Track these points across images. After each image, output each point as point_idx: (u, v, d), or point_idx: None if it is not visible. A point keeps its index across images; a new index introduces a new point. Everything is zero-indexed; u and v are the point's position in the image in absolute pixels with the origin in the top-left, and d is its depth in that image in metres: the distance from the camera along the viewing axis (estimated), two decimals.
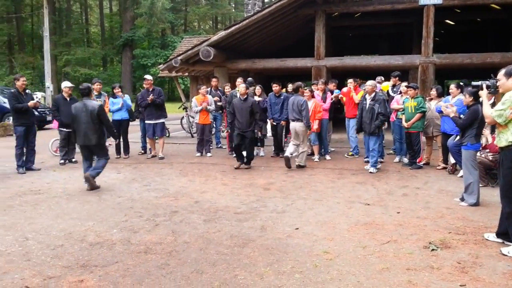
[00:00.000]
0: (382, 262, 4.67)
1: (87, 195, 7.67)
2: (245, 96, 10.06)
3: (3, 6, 39.79)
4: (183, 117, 17.35)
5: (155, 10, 38.29)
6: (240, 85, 10.33)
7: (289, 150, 10.04)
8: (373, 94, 9.47)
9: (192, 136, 15.45)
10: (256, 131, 10.34)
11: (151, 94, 11.28)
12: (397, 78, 11.49)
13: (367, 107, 9.43)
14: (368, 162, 9.84)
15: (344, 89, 11.57)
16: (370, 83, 9.61)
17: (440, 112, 9.25)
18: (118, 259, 4.80)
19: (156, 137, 11.63)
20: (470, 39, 22.14)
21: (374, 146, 9.43)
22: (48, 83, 28.73)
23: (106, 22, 52.41)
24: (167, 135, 14.80)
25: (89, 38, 51.36)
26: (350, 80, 11.35)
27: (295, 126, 9.99)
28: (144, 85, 11.74)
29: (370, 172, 9.37)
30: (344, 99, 11.45)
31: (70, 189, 8.19)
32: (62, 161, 10.70)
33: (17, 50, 43.32)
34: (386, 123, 10.84)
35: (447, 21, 19.01)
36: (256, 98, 11.40)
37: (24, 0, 43.30)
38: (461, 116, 7.32)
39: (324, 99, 11.19)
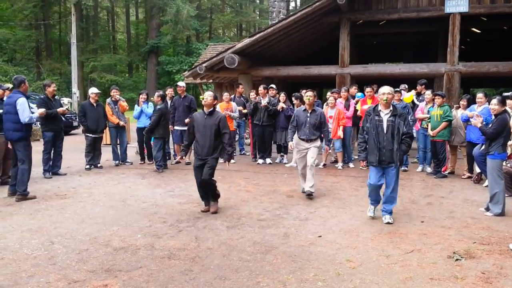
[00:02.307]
0: (405, 271, 4.64)
1: (112, 200, 7.78)
2: (211, 109, 7.08)
3: (31, 13, 40.65)
4: None
5: (180, 18, 38.57)
6: (206, 93, 7.17)
7: (307, 183, 8.02)
8: (391, 107, 6.42)
9: None
10: (223, 160, 7.36)
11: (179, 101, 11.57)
12: (423, 86, 11.40)
13: (384, 125, 6.31)
14: (375, 207, 6.78)
15: (365, 107, 10.84)
16: (386, 90, 6.38)
17: (466, 121, 9.17)
18: (142, 264, 4.86)
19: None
20: (496, 47, 21.85)
21: (394, 185, 6.44)
22: (75, 89, 29.23)
23: (132, 29, 53.03)
24: None
25: (115, 45, 51.98)
26: (368, 89, 11.05)
27: (309, 148, 8.12)
28: (168, 93, 11.88)
29: (388, 223, 6.42)
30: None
31: (96, 194, 8.31)
32: (88, 166, 10.85)
33: (44, 56, 44.07)
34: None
35: (473, 29, 18.80)
36: (281, 105, 11.41)
37: (52, 7, 44.07)
38: (487, 125, 7.26)
39: (347, 107, 11.17)
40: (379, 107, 6.43)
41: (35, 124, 17.23)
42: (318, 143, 8.21)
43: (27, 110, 7.77)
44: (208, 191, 7.14)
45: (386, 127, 6.30)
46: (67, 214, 6.88)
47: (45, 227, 6.23)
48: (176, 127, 11.55)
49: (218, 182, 9.22)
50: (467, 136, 9.41)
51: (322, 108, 11.61)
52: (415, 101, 11.35)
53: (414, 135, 11.15)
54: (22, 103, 7.76)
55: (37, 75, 39.24)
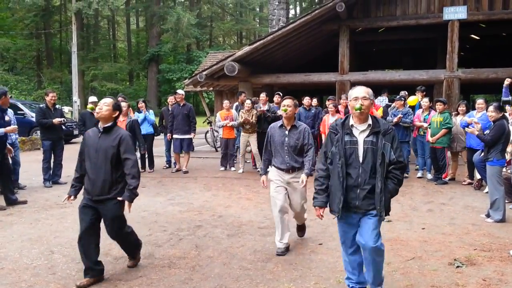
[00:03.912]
0: (406, 278, 4.64)
1: None
2: (109, 124, 4.73)
3: (32, 22, 40.83)
4: (207, 131, 17.47)
5: (181, 26, 38.78)
6: (101, 101, 4.83)
7: (285, 237, 5.53)
8: (369, 121, 3.98)
9: (216, 151, 15.54)
10: (123, 200, 4.70)
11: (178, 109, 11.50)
12: (424, 93, 11.43)
13: (360, 150, 3.93)
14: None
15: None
16: (360, 92, 3.96)
17: (465, 127, 9.16)
18: (142, 274, 4.86)
19: (182, 152, 11.73)
20: (495, 53, 21.93)
21: (377, 243, 3.87)
22: (75, 97, 29.29)
23: (133, 38, 53.26)
24: (192, 149, 14.94)
25: (116, 53, 52.24)
26: None
27: (291, 183, 5.65)
28: (169, 101, 11.91)
29: None
30: None
31: None
32: None
33: (45, 65, 44.28)
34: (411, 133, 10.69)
35: (472, 35, 18.87)
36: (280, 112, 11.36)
37: (53, 16, 44.29)
38: (485, 132, 7.26)
39: (346, 114, 11.19)
40: (351, 121, 4.03)
41: (35, 133, 17.31)
42: (303, 174, 5.49)
43: None
44: (123, 246, 5.02)
45: (362, 152, 3.91)
46: (67, 223, 6.87)
47: (45, 236, 6.22)
48: (175, 136, 11.52)
49: (219, 190, 9.25)
50: (467, 142, 9.42)
51: (322, 116, 11.63)
52: (422, 103, 11.30)
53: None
54: None
55: (38, 84, 39.38)
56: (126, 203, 4.65)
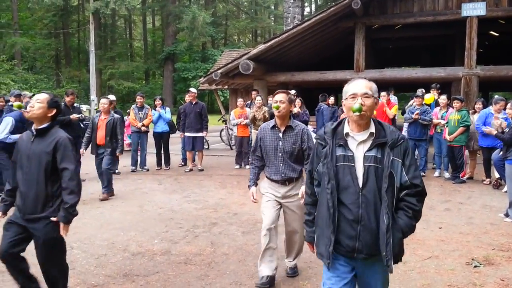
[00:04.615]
0: (423, 278, 4.61)
1: (130, 206, 7.83)
2: (46, 125, 3.82)
3: (51, 22, 41.43)
4: (222, 130, 17.51)
5: (196, 25, 38.96)
6: (34, 97, 3.92)
7: (269, 266, 4.56)
8: (371, 128, 2.74)
9: (231, 149, 15.56)
10: (61, 223, 3.73)
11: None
12: (439, 91, 11.31)
13: (359, 169, 2.68)
14: None
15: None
16: (360, 88, 2.75)
17: (482, 132, 8.99)
18: (159, 269, 4.89)
19: (196, 150, 11.75)
20: None
21: None
22: (93, 96, 29.56)
23: (149, 37, 53.65)
24: (207, 147, 15.00)
25: (132, 52, 52.68)
26: (383, 94, 10.75)
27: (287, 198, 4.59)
28: (187, 98, 11.97)
29: None
30: (375, 113, 11.15)
31: (113, 199, 8.37)
32: None
33: (63, 64, 44.84)
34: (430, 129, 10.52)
35: (491, 32, 18.64)
36: (296, 110, 11.31)
37: (71, 16, 44.83)
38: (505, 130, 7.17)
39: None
40: (346, 127, 2.81)
41: None
42: (302, 187, 4.22)
43: (6, 130, 8.00)
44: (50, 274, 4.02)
45: (363, 173, 2.68)
46: (85, 220, 6.94)
47: None
48: (186, 134, 11.51)
49: (234, 188, 9.27)
50: (480, 141, 9.27)
51: (337, 115, 11.56)
52: (439, 101, 11.18)
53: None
54: (4, 121, 8.08)
55: (57, 83, 39.88)
56: (61, 225, 3.72)
